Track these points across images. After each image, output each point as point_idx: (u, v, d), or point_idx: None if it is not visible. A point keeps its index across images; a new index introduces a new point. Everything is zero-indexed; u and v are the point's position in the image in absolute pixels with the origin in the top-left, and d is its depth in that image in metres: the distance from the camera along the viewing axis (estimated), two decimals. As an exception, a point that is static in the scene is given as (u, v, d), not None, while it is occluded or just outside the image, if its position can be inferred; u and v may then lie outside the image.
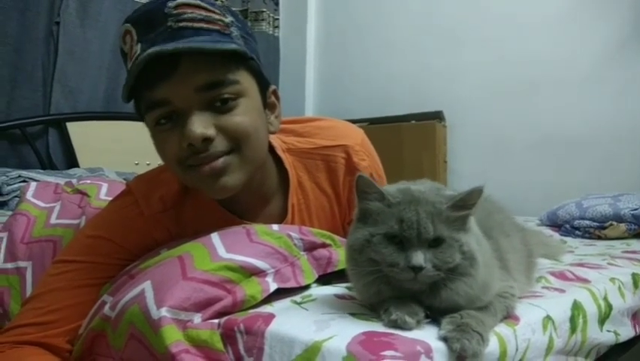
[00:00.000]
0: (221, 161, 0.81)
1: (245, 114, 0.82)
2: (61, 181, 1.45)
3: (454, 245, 0.61)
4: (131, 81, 0.78)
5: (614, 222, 1.71)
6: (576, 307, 0.80)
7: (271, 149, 0.97)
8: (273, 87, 0.93)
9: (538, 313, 0.72)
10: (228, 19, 0.82)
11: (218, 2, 0.83)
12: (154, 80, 0.78)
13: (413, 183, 0.68)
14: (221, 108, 0.81)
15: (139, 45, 0.78)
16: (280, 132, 1.00)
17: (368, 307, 0.67)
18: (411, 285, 0.61)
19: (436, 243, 0.60)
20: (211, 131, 0.80)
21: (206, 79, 0.79)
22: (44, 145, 2.16)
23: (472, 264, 0.61)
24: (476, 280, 0.62)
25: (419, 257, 0.59)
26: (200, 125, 0.79)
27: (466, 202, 0.62)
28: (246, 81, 0.83)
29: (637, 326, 0.97)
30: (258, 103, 0.87)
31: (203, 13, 0.79)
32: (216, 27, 0.80)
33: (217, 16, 0.80)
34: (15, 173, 1.79)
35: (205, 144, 0.80)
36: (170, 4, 0.78)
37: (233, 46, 0.80)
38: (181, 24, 0.77)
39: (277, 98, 0.94)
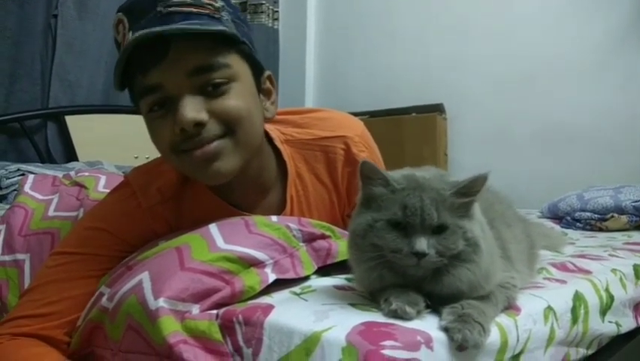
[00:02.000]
0: (214, 145, 0.81)
1: (237, 98, 0.82)
2: (60, 175, 1.44)
3: (457, 232, 0.60)
4: (121, 67, 0.78)
5: (616, 214, 1.71)
6: (577, 298, 0.80)
7: (270, 140, 0.96)
8: (267, 73, 0.92)
9: (540, 304, 0.72)
10: (219, 3, 0.81)
11: None
12: (145, 65, 0.78)
13: (418, 170, 0.67)
14: (213, 92, 0.80)
15: (130, 32, 0.78)
16: (279, 123, 1.00)
17: (368, 297, 0.66)
18: (414, 271, 0.60)
19: (439, 229, 0.60)
20: (203, 116, 0.79)
21: (197, 63, 0.79)
22: (43, 139, 2.15)
23: (476, 250, 0.61)
24: (479, 267, 0.61)
25: (422, 243, 0.59)
26: (192, 109, 0.78)
27: (470, 189, 0.61)
28: (237, 65, 0.83)
29: (638, 317, 0.97)
30: (251, 87, 0.86)
31: None
32: (206, 11, 0.79)
33: (207, 1, 0.80)
34: (14, 166, 1.79)
35: (197, 128, 0.79)
36: None
37: (221, 27, 0.79)
38: (170, 9, 0.77)
39: (272, 84, 0.93)
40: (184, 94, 0.79)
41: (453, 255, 0.60)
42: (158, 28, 0.75)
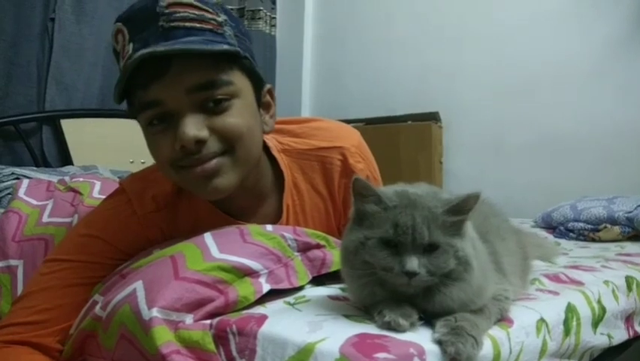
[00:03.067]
0: (214, 162, 0.81)
1: (238, 115, 0.82)
2: (55, 179, 1.44)
3: (449, 251, 0.60)
4: (122, 84, 0.78)
5: (609, 225, 1.72)
6: (570, 310, 0.80)
7: (267, 149, 0.96)
8: (268, 86, 0.92)
9: (532, 316, 0.72)
10: (221, 17, 0.81)
11: (212, 0, 0.82)
12: (146, 81, 0.78)
13: (411, 186, 0.67)
14: (215, 109, 0.80)
15: (131, 45, 0.77)
16: (276, 133, 1.00)
17: (362, 308, 0.67)
18: (405, 289, 0.61)
19: (430, 248, 0.60)
20: (204, 133, 0.79)
21: (199, 80, 0.78)
22: (38, 142, 2.14)
23: (467, 269, 0.61)
24: (470, 286, 0.61)
25: (413, 262, 0.59)
26: (193, 127, 0.78)
27: (462, 208, 0.61)
28: (239, 81, 0.83)
29: (630, 329, 0.97)
30: (252, 103, 0.86)
31: (196, 12, 0.78)
32: (209, 26, 0.79)
33: (210, 15, 0.79)
34: (8, 170, 1.77)
35: (198, 145, 0.79)
36: (161, 2, 0.77)
37: (225, 46, 0.79)
38: (173, 24, 0.77)
39: (272, 97, 0.93)
40: (185, 111, 0.79)
41: (444, 274, 0.60)
42: (161, 48, 0.75)
